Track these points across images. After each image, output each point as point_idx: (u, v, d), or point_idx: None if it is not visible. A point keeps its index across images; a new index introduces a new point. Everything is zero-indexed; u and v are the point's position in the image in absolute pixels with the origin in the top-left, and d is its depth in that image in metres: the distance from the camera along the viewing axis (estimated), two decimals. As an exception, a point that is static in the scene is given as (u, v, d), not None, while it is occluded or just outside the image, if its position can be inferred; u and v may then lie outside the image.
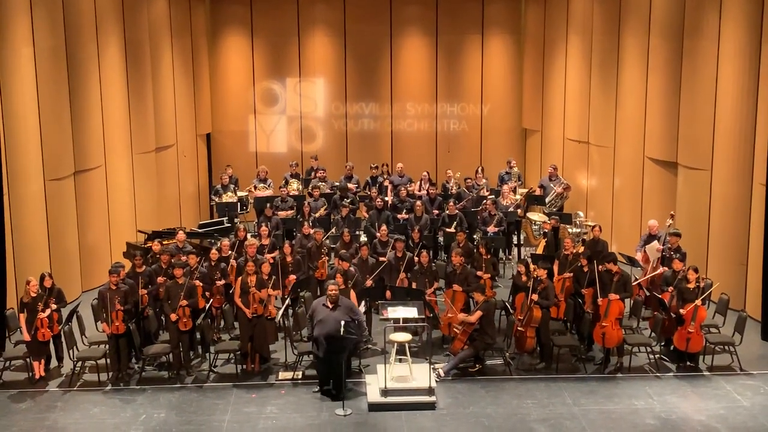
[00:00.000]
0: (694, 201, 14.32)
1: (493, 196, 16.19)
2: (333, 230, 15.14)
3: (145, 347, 11.67)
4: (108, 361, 11.41)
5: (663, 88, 14.96)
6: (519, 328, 11.77)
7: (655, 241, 13.23)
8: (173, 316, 11.46)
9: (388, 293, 12.22)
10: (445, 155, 20.49)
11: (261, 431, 10.05)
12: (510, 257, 16.40)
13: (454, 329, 11.67)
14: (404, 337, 11.07)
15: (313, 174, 17.81)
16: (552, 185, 17.19)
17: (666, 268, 12.55)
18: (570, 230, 15.61)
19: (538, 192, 17.20)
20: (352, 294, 11.76)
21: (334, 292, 10.70)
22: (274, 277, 12.01)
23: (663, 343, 12.01)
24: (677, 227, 13.48)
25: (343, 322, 10.42)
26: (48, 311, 11.33)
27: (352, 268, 12.33)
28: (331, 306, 10.69)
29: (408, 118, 20.53)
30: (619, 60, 16.36)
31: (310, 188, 16.91)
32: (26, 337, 11.32)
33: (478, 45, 20.41)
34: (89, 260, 14.98)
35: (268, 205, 15.54)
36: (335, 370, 10.74)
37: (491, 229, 15.02)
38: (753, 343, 12.37)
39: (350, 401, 10.68)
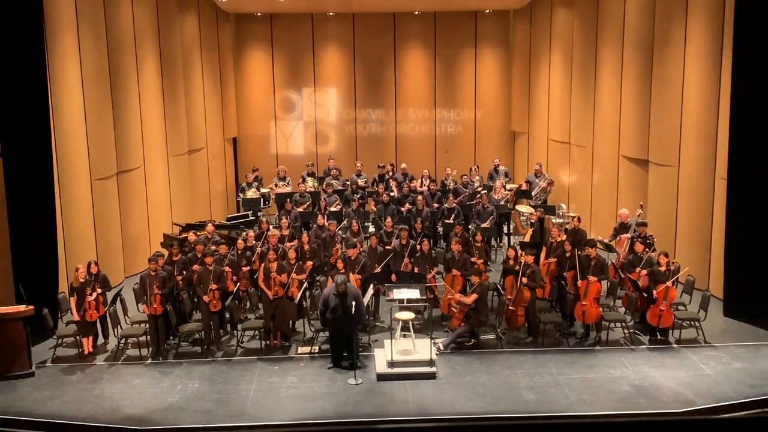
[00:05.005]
0: (664, 194, 14.27)
1: (485, 191, 16.17)
2: (345, 222, 15.14)
3: (180, 326, 11.73)
4: (148, 338, 11.48)
5: (636, 93, 14.89)
6: (509, 307, 11.78)
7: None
8: (205, 298, 11.51)
9: (393, 277, 12.24)
10: (443, 155, 20.46)
11: (283, 399, 10.09)
12: (501, 245, 16.39)
13: (452, 308, 11.68)
14: (408, 315, 11.10)
15: (330, 173, 17.83)
16: (537, 180, 17.17)
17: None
18: (554, 221, 15.58)
19: (524, 187, 17.21)
20: (352, 277, 11.76)
21: (342, 288, 10.64)
22: (300, 262, 12.04)
23: (637, 320, 12.01)
24: (648, 217, 13.43)
25: (354, 303, 10.45)
26: (94, 294, 11.37)
27: (361, 255, 12.34)
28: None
29: (410, 123, 20.50)
30: (597, 68, 16.30)
31: (324, 185, 16.93)
32: (76, 317, 11.38)
33: (472, 57, 20.36)
34: (131, 250, 15.01)
35: (288, 200, 15.55)
36: (349, 344, 10.78)
37: (485, 225, 15.00)
38: (716, 319, 12.34)
39: (361, 372, 10.72)
